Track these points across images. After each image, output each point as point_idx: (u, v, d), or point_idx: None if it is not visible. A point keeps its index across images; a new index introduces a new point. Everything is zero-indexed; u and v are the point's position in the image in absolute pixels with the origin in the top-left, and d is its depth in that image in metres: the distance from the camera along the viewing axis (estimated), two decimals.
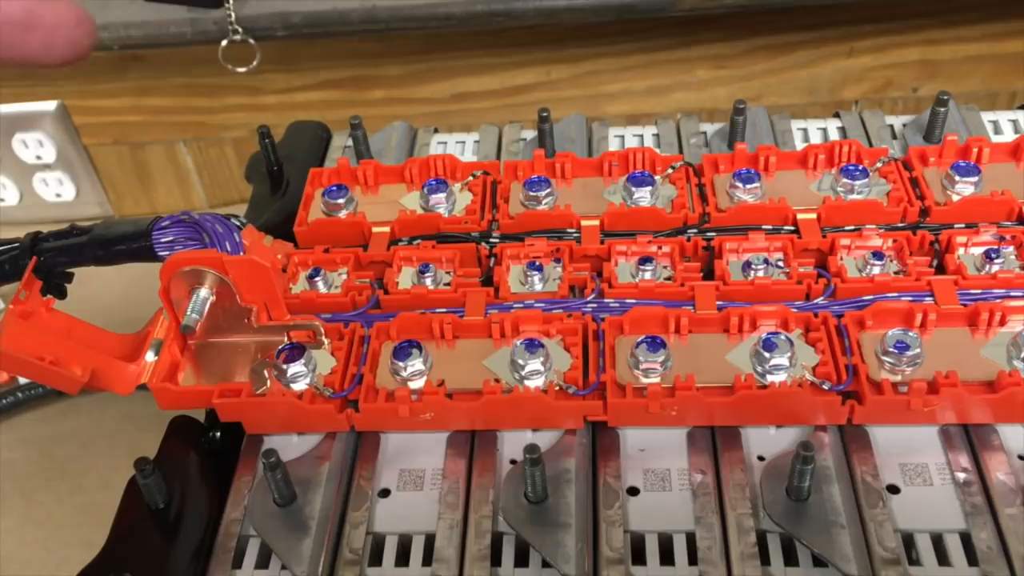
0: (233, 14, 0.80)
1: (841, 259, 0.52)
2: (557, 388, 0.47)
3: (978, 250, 0.52)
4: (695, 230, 0.54)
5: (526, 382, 0.47)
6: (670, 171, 0.57)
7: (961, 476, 0.44)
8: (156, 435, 0.50)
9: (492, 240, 0.55)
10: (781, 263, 0.52)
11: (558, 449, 0.46)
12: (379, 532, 0.45)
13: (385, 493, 0.46)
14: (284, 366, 0.48)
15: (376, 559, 0.44)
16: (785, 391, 0.45)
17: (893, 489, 0.44)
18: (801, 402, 0.45)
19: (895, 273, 0.51)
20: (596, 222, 0.55)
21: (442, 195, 0.57)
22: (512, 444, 0.47)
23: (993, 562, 0.41)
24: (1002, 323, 0.48)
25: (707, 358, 0.48)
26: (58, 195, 1.00)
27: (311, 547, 0.43)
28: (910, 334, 0.46)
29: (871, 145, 0.62)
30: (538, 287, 0.52)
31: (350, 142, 0.65)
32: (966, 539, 0.42)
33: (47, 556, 0.68)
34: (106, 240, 0.52)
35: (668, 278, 0.52)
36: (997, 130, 0.63)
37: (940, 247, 0.52)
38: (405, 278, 0.53)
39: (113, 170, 1.00)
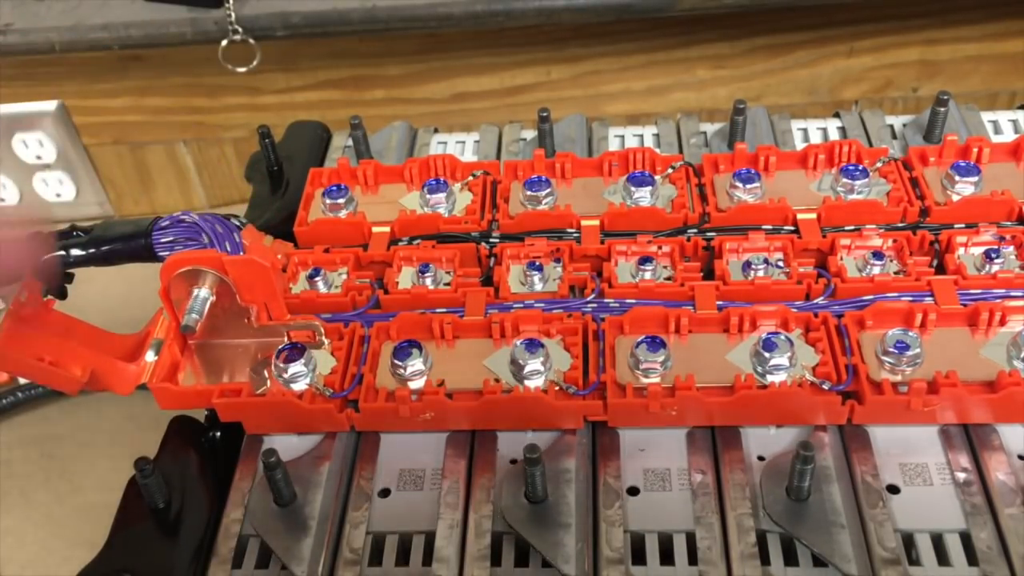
0: (233, 14, 0.80)
1: (841, 259, 0.52)
2: (557, 388, 0.47)
3: (978, 250, 0.52)
4: (695, 230, 0.54)
5: (526, 382, 0.47)
6: (670, 171, 0.57)
7: (961, 476, 0.44)
8: (156, 435, 0.50)
9: (492, 240, 0.55)
10: (781, 263, 0.52)
11: (558, 449, 0.46)
12: (379, 532, 0.45)
13: (385, 493, 0.46)
14: (284, 366, 0.48)
15: (376, 559, 0.44)
16: (785, 391, 0.45)
17: (893, 489, 0.44)
18: (801, 402, 0.45)
19: (895, 273, 0.51)
20: (596, 222, 0.55)
21: (442, 195, 0.57)
22: (512, 444, 0.47)
23: (993, 562, 0.41)
24: (1002, 323, 0.48)
25: (707, 358, 0.48)
26: (58, 195, 1.00)
27: (311, 547, 0.43)
28: (910, 334, 0.46)
29: (871, 145, 0.62)
30: (538, 287, 0.52)
31: (350, 142, 0.65)
32: (966, 539, 0.42)
33: (47, 556, 0.68)
34: (106, 240, 0.52)
35: (668, 278, 0.52)
36: (997, 130, 0.63)
37: (940, 247, 0.52)
38: (405, 278, 0.53)
39: (113, 170, 1.00)
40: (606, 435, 0.47)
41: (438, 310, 0.51)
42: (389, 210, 0.57)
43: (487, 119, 0.76)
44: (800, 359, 0.47)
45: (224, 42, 0.82)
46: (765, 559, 0.42)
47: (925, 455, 0.45)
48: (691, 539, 0.43)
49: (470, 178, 0.59)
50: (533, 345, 0.47)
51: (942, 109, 0.60)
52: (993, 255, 0.50)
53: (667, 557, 0.43)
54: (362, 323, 0.50)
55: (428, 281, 0.53)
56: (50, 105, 0.94)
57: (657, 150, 0.61)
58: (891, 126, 0.64)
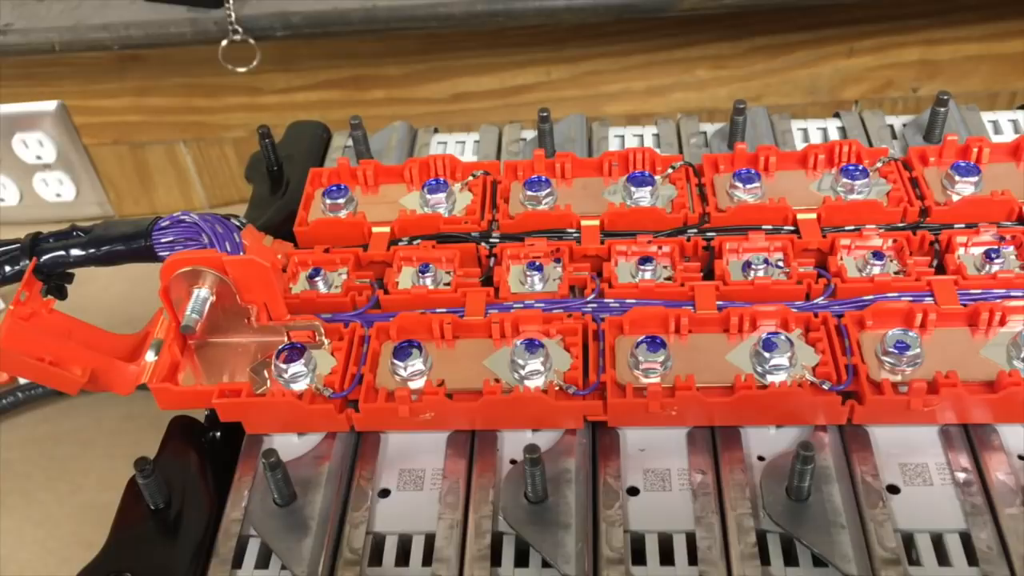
0: (233, 14, 0.80)
1: (841, 259, 0.52)
2: (557, 388, 0.47)
3: (978, 250, 0.52)
4: (695, 230, 0.54)
5: (526, 382, 0.47)
6: (670, 171, 0.57)
7: (961, 476, 0.44)
8: (156, 435, 0.50)
9: (492, 240, 0.55)
10: (781, 263, 0.52)
11: (558, 449, 0.46)
12: (379, 532, 0.45)
13: (385, 493, 0.46)
14: (284, 366, 0.48)
15: (376, 559, 0.44)
16: (785, 391, 0.45)
17: (893, 489, 0.44)
18: (801, 402, 0.45)
19: (895, 273, 0.51)
20: (596, 222, 0.55)
21: (442, 195, 0.57)
22: (512, 444, 0.47)
23: (993, 562, 0.41)
24: (1002, 323, 0.48)
25: (707, 358, 0.48)
26: (58, 195, 1.00)
27: (311, 547, 0.43)
28: (910, 334, 0.46)
29: (871, 145, 0.62)
30: (538, 287, 0.52)
31: (350, 142, 0.65)
32: (966, 539, 0.42)
33: (47, 556, 0.68)
34: (106, 240, 0.52)
35: (668, 278, 0.52)
36: (997, 130, 0.63)
37: (940, 247, 0.52)
38: (405, 278, 0.53)
39: (113, 170, 1.00)
40: (606, 435, 0.47)
41: (438, 310, 0.51)
42: (389, 210, 0.57)
43: (487, 119, 0.76)
44: (800, 359, 0.47)
45: (224, 42, 0.82)
46: (765, 559, 0.42)
47: (925, 455, 0.45)
48: (691, 539, 0.43)
49: (470, 178, 0.59)
50: (533, 345, 0.47)
51: (942, 109, 0.60)
52: (993, 255, 0.50)
53: (667, 557, 0.43)
54: (362, 323, 0.50)
55: (428, 281, 0.53)
56: (50, 105, 0.94)
57: (657, 150, 0.61)
58: (891, 126, 0.64)
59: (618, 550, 0.42)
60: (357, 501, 0.46)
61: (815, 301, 0.50)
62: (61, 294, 0.53)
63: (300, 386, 0.48)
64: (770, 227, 0.54)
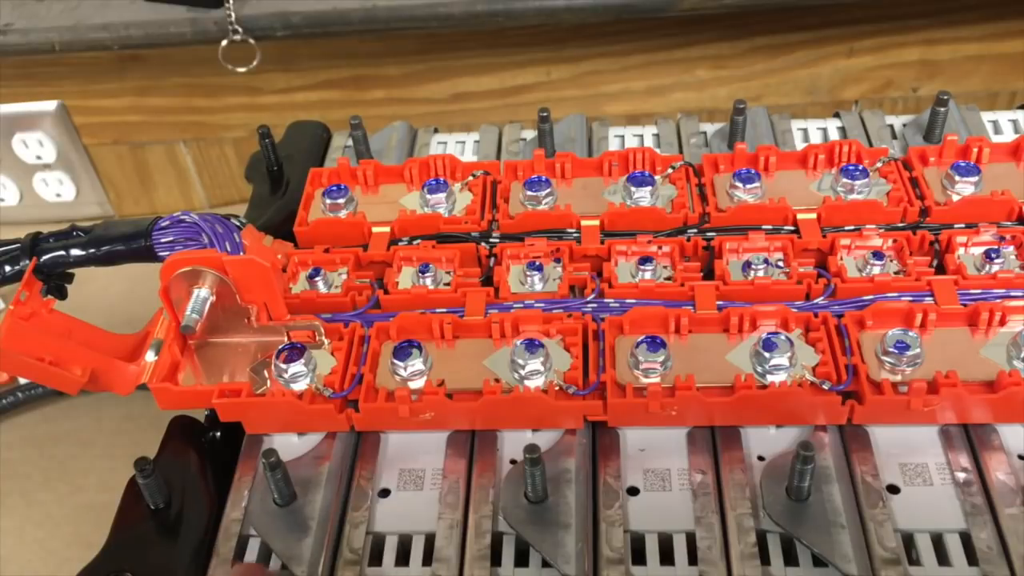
0: (233, 14, 0.80)
1: (841, 259, 0.52)
2: (557, 388, 0.47)
3: (978, 250, 0.52)
4: (695, 230, 0.54)
5: (526, 382, 0.47)
6: (670, 171, 0.57)
7: (961, 476, 0.44)
8: (156, 435, 0.50)
9: (492, 240, 0.55)
10: (781, 263, 0.52)
11: (558, 449, 0.46)
12: (379, 532, 0.45)
13: (385, 493, 0.46)
14: (284, 366, 0.48)
15: (376, 559, 0.44)
16: (785, 391, 0.45)
17: (893, 489, 0.44)
18: (801, 402, 0.45)
19: (895, 273, 0.51)
20: (596, 222, 0.55)
21: (442, 195, 0.57)
22: (512, 444, 0.47)
23: (993, 562, 0.41)
24: (1002, 323, 0.48)
25: (707, 358, 0.48)
26: (58, 195, 1.00)
27: (311, 547, 0.43)
28: (910, 334, 0.46)
29: (871, 145, 0.62)
30: (538, 287, 0.52)
31: (350, 142, 0.65)
32: (966, 539, 0.42)
33: (47, 556, 0.68)
34: (106, 240, 0.52)
35: (668, 278, 0.52)
36: (997, 130, 0.63)
37: (940, 247, 0.52)
38: (405, 278, 0.53)
39: (113, 170, 1.00)
40: (606, 435, 0.47)
41: (438, 310, 0.51)
42: (389, 210, 0.57)
43: (487, 119, 0.76)
44: (800, 359, 0.47)
45: (224, 42, 0.82)
46: (765, 559, 0.42)
47: (925, 455, 0.45)
48: (691, 539, 0.43)
49: (470, 178, 0.59)
50: (533, 345, 0.47)
51: (942, 109, 0.60)
52: (993, 255, 0.50)
53: (667, 557, 0.43)
54: (362, 323, 0.50)
55: (428, 281, 0.53)
56: (50, 105, 0.94)
57: (657, 150, 0.61)
58: (891, 126, 0.64)
59: (618, 550, 0.42)
60: (357, 501, 0.46)
61: (815, 301, 0.50)
62: (61, 294, 0.53)
63: (300, 386, 0.48)
64: (770, 227, 0.54)
